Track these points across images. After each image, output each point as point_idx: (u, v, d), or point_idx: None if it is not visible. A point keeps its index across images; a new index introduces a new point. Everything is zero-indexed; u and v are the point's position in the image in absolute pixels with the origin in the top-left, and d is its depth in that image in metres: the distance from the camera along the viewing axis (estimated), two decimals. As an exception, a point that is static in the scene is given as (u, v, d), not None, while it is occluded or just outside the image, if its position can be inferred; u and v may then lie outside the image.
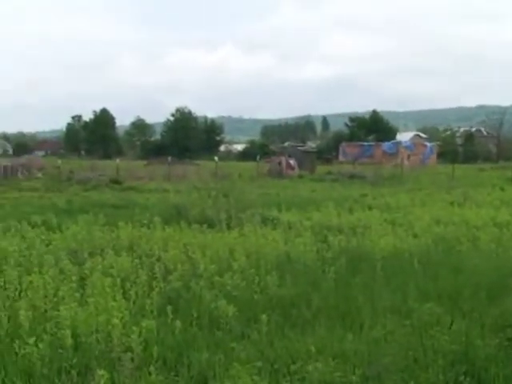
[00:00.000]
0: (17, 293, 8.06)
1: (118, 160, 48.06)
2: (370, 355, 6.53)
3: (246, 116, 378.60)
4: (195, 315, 7.59)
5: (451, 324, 7.54)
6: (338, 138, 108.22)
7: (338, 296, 8.79)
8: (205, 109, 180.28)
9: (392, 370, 6.17)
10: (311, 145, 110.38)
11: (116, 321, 6.68)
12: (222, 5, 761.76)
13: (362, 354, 6.57)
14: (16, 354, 6.27)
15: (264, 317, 7.29)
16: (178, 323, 7.09)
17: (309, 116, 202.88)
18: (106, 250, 11.02)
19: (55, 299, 7.85)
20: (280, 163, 51.30)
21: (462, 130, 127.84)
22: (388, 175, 46.13)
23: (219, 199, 19.19)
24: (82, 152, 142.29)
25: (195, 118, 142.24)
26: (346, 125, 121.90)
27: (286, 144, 75.31)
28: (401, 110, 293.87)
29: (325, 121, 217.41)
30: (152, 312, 7.62)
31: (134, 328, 6.48)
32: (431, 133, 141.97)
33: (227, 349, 6.69)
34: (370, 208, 20.75)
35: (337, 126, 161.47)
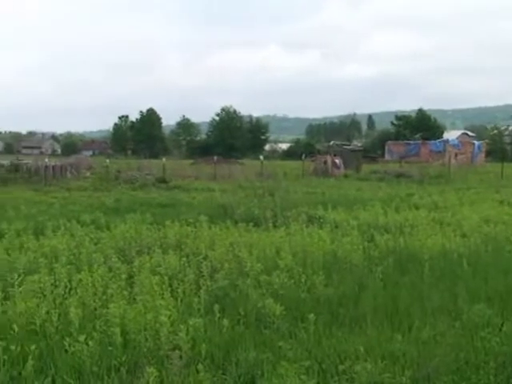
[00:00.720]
0: (67, 290, 8.16)
1: (164, 159, 48.39)
2: (420, 356, 6.44)
3: (291, 115, 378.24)
4: (242, 314, 7.61)
5: (502, 325, 7.40)
6: (384, 137, 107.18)
7: (386, 296, 8.70)
8: (250, 108, 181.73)
9: (442, 371, 6.07)
10: (357, 143, 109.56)
11: (164, 319, 6.71)
12: (266, 4, 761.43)
13: (411, 355, 6.48)
14: (66, 351, 6.36)
15: (311, 316, 7.25)
16: (226, 322, 7.10)
17: (354, 114, 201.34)
18: (154, 248, 11.11)
19: (104, 297, 7.94)
20: (325, 162, 51.05)
21: (510, 128, 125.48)
22: (435, 174, 45.53)
23: (265, 198, 19.22)
24: (129, 152, 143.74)
25: (240, 118, 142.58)
26: (392, 123, 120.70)
27: (332, 143, 74.71)
28: (448, 108, 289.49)
29: (370, 119, 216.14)
30: (199, 310, 7.65)
31: (182, 326, 6.52)
32: (479, 131, 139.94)
33: (275, 348, 6.68)
34: (416, 207, 20.50)
35: (382, 125, 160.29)
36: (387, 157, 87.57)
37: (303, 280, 8.96)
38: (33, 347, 6.02)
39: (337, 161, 52.31)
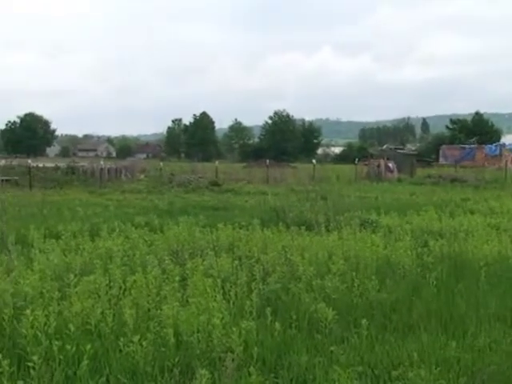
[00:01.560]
0: (121, 291, 8.27)
1: (217, 162, 48.72)
2: (474, 364, 6.34)
3: (344, 118, 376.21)
4: (294, 317, 7.60)
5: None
6: (439, 141, 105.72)
7: (440, 302, 8.58)
8: (303, 111, 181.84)
9: (497, 379, 5.97)
10: (410, 147, 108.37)
11: (216, 321, 6.75)
12: (319, 8, 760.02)
13: (466, 362, 6.39)
14: (120, 351, 6.45)
15: (364, 321, 7.20)
16: (278, 325, 7.10)
17: (408, 118, 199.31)
18: (206, 251, 11.18)
19: (158, 298, 8.02)
20: (379, 166, 50.65)
21: None
22: (491, 179, 44.75)
23: (317, 202, 19.12)
24: (182, 155, 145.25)
25: (293, 121, 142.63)
26: (447, 127, 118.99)
27: (385, 147, 74.19)
28: (505, 111, 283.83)
29: (425, 123, 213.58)
30: (251, 313, 7.66)
31: (234, 329, 6.55)
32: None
33: (327, 352, 6.66)
34: (472, 212, 20.18)
35: (437, 129, 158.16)
36: (442, 161, 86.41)
37: (356, 285, 8.90)
38: (88, 347, 6.12)
39: (390, 165, 51.85)
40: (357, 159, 53.76)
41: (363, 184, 41.07)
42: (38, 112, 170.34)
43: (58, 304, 7.51)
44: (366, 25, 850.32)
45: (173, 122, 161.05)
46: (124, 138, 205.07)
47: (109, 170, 44.42)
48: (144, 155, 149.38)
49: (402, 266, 10.59)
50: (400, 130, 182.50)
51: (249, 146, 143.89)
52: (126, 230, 14.23)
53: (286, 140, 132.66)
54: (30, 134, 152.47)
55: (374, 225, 15.72)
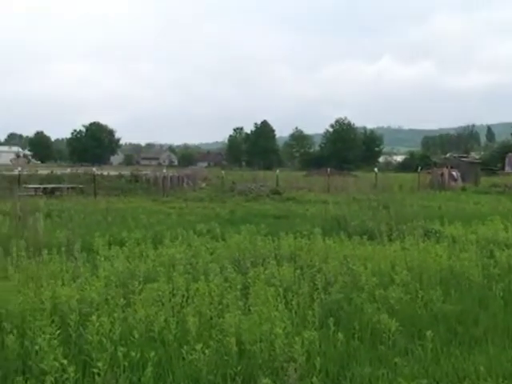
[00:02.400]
0: (184, 299, 8.33)
1: (277, 171, 48.81)
2: (544, 379, 6.15)
3: (406, 126, 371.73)
4: (357, 328, 7.51)
5: None
6: (504, 149, 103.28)
7: (508, 315, 8.37)
8: (364, 119, 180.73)
9: None
10: (475, 156, 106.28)
11: (279, 330, 6.73)
12: (379, 14, 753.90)
13: (535, 377, 6.20)
14: (183, 358, 6.49)
15: (429, 333, 7.07)
16: (340, 336, 7.04)
17: (473, 126, 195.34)
18: (268, 259, 11.17)
19: (220, 307, 8.05)
20: (442, 175, 49.84)
21: None
22: (559, 188, 43.50)
23: (379, 211, 18.95)
24: (243, 163, 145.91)
25: (354, 129, 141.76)
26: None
27: (449, 155, 72.95)
28: None
29: (490, 131, 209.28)
30: (314, 323, 7.61)
31: (297, 338, 6.50)
32: None
33: (390, 364, 6.57)
34: (540, 222, 19.62)
35: (503, 136, 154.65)
36: (508, 169, 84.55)
37: (420, 296, 8.76)
38: (152, 354, 6.18)
39: (454, 173, 50.97)
40: (419, 168, 53.03)
41: (426, 193, 40.46)
42: (103, 121, 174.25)
43: (123, 311, 7.62)
44: (427, 30, 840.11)
45: (234, 130, 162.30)
46: (186, 147, 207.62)
47: (171, 179, 44.97)
48: (205, 164, 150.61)
49: (468, 277, 10.37)
50: (464, 138, 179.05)
51: (309, 155, 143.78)
52: (189, 237, 14.35)
53: (347, 148, 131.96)
54: (95, 142, 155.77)
55: (438, 235, 15.45)
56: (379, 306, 8.44)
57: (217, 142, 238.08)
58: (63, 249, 11.65)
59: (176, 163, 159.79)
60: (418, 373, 6.33)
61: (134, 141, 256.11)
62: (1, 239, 13.46)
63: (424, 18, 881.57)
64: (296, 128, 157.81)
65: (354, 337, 7.39)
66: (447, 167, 52.00)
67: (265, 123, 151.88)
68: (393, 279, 9.77)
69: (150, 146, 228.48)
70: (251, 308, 7.94)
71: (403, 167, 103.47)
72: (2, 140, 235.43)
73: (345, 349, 6.97)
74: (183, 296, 8.41)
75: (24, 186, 36.53)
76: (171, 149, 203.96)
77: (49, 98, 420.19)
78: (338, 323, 7.68)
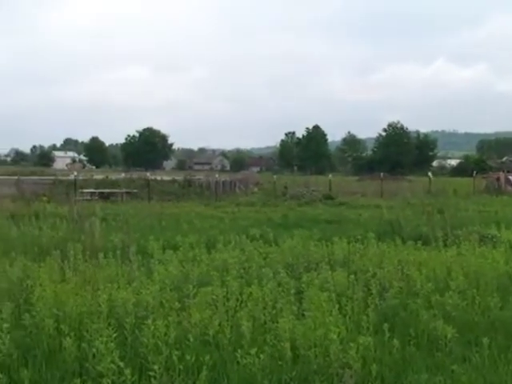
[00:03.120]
0: (238, 303, 8.35)
1: (330, 176, 48.62)
2: None
3: (461, 130, 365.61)
4: (413, 334, 7.41)
5: None
6: None
7: None
8: (417, 123, 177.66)
9: None
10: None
11: (333, 336, 6.68)
12: (432, 16, 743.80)
13: None
14: (238, 363, 6.50)
15: (486, 340, 6.93)
16: (396, 342, 6.95)
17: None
18: (321, 264, 11.10)
19: (274, 311, 8.04)
20: (498, 179, 48.90)
21: None
22: None
23: (434, 216, 18.67)
24: (295, 168, 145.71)
25: (407, 133, 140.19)
26: None
27: (505, 159, 71.75)
28: None
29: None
30: (368, 329, 7.54)
31: (352, 344, 6.45)
32: None
33: (447, 371, 6.46)
34: None
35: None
36: None
37: (477, 302, 8.59)
38: (207, 358, 6.21)
39: (511, 178, 49.94)
40: (475, 172, 52.13)
41: (482, 198, 39.73)
42: (156, 126, 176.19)
43: (178, 314, 7.67)
44: (483, 32, 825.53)
45: (286, 135, 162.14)
46: (238, 152, 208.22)
47: (223, 183, 45.26)
48: (257, 168, 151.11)
49: (526, 284, 10.14)
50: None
51: (362, 159, 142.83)
52: (242, 242, 14.39)
53: (401, 153, 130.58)
54: (149, 147, 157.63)
55: (495, 240, 15.16)
56: (435, 313, 8.31)
57: (268, 146, 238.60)
58: (118, 252, 11.81)
59: (228, 168, 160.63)
60: (476, 380, 6.22)
61: (187, 146, 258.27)
62: (58, 242, 13.74)
63: (479, 19, 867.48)
64: (348, 132, 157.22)
65: (410, 343, 7.30)
66: (503, 171, 51.00)
67: (317, 127, 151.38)
68: (449, 285, 9.60)
69: (202, 150, 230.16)
70: (305, 313, 7.91)
71: (458, 172, 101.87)
72: (58, 145, 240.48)
73: (400, 355, 6.88)
74: (237, 300, 8.42)
75: (80, 190, 37.21)
76: (223, 154, 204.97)
77: (103, 104, 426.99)
78: (393, 329, 7.60)
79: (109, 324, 7.06)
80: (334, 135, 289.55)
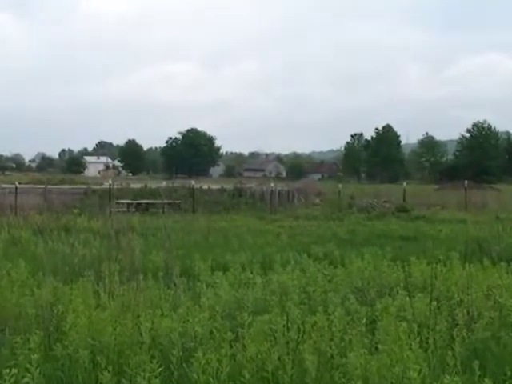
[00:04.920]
0: (300, 334, 8.32)
1: (404, 184, 48.22)
2: None
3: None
4: (508, 374, 7.27)
5: None
6: None
7: None
8: (508, 123, 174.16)
9: None
10: None
11: (413, 374, 6.60)
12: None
13: None
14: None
15: None
16: (488, 382, 6.82)
17: None
18: (397, 289, 11.01)
19: (342, 344, 7.98)
20: None
21: None
22: None
23: (530, 232, 18.35)
24: (363, 175, 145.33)
25: (496, 134, 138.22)
26: None
27: None
28: None
29: None
30: (455, 366, 7.43)
31: (435, 384, 6.37)
32: None
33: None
34: None
35: None
36: None
37: None
38: (265, 397, 6.21)
39: None
40: None
41: None
42: (201, 127, 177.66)
43: (231, 346, 7.68)
44: None
45: (352, 136, 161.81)
46: (295, 156, 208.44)
47: (280, 193, 45.29)
48: (318, 175, 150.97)
49: None
50: None
51: (442, 165, 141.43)
52: (302, 262, 14.38)
53: (488, 157, 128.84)
54: (193, 152, 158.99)
55: None
56: (535, 348, 8.16)
57: (332, 150, 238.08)
58: (161, 273, 11.92)
59: (284, 175, 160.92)
60: None
61: (236, 149, 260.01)
62: (92, 261, 13.94)
63: None
64: (426, 133, 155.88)
65: (505, 384, 7.17)
66: None
67: (388, 128, 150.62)
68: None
69: (254, 155, 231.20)
70: (379, 346, 7.84)
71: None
72: (90, 149, 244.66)
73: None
74: (299, 330, 8.38)
75: (115, 201, 37.74)
76: (279, 158, 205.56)
77: (141, 103, 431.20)
78: (485, 367, 7.47)
79: (152, 356, 7.13)
80: (409, 137, 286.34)
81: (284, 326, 8.40)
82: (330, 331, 8.16)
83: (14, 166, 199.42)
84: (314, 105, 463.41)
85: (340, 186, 50.35)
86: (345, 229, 26.29)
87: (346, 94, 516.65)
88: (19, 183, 42.38)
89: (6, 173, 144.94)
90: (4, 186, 43.46)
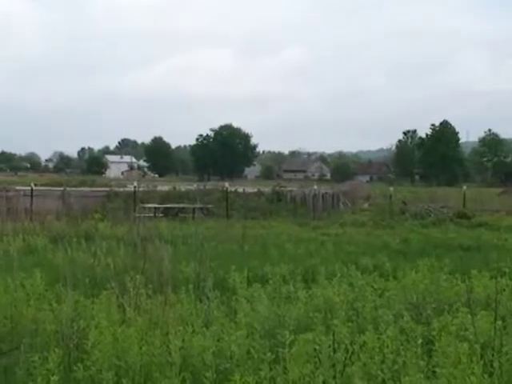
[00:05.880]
0: (348, 356, 8.29)
1: (464, 187, 47.85)
2: None
3: None
4: None
5: None
6: None
7: None
8: None
9: None
10: None
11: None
12: None
13: None
14: None
15: None
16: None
17: None
18: (457, 305, 10.94)
19: (395, 367, 7.95)
20: None
21: None
22: None
23: None
24: (417, 177, 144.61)
25: None
26: None
27: None
28: None
29: None
30: (523, 393, 7.37)
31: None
32: None
33: None
34: None
35: None
36: None
37: None
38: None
39: None
40: None
41: None
42: (236, 123, 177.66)
43: (270, 368, 7.68)
44: None
45: (404, 134, 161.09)
46: (341, 156, 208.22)
47: (323, 197, 45.20)
48: (366, 177, 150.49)
49: None
50: None
51: (506, 165, 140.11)
52: (350, 274, 14.33)
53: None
54: (227, 151, 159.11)
55: None
56: None
57: (381, 149, 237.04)
58: (191, 286, 11.96)
59: (328, 177, 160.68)
60: None
61: (275, 148, 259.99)
62: (115, 272, 14.02)
63: None
64: (488, 130, 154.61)
65: None
66: None
67: (445, 124, 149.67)
68: None
69: (294, 154, 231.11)
70: (436, 370, 7.80)
71: None
72: (112, 148, 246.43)
73: None
74: (347, 351, 8.36)
75: (141, 205, 37.94)
76: (322, 158, 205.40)
77: (169, 97, 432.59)
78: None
79: (183, 379, 7.16)
80: (469, 134, 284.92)
81: (330, 346, 8.38)
82: (381, 352, 8.14)
83: (29, 166, 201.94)
84: (361, 99, 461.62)
85: (391, 189, 50.12)
86: (397, 237, 26.16)
87: (398, 86, 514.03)
88: (35, 185, 42.68)
89: (20, 173, 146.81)
90: (18, 188, 43.92)
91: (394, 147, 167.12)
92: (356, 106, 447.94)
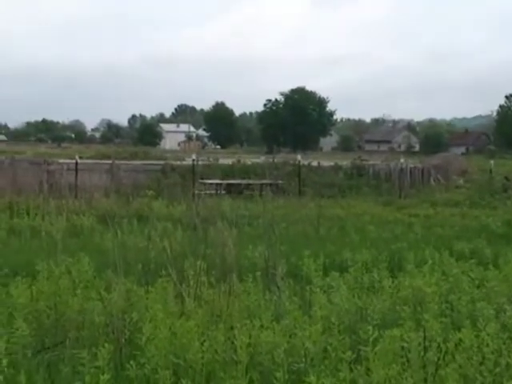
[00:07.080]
0: (441, 355, 8.23)
1: None
2: None
3: None
4: None
5: None
6: None
7: None
8: None
9: None
10: None
11: None
12: None
13: None
14: None
15: None
16: None
17: None
18: None
19: (497, 369, 7.85)
20: None
21: None
22: None
23: None
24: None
25: None
26: None
27: None
28: None
29: None
30: None
31: None
32: None
33: None
34: None
35: None
36: None
37: None
38: None
39: None
40: None
41: None
42: (310, 87, 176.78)
43: (351, 369, 7.68)
44: None
45: (507, 98, 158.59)
46: (431, 124, 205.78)
47: (412, 172, 44.88)
48: (462, 149, 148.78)
49: None
50: None
51: None
52: (442, 261, 14.23)
53: None
54: (299, 118, 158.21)
55: None
56: None
57: (479, 115, 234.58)
58: (259, 274, 11.97)
59: (417, 149, 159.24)
60: None
61: (355, 116, 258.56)
62: (173, 258, 14.09)
63: None
64: None
65: None
66: None
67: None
68: None
69: (377, 122, 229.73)
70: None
71: None
72: (168, 115, 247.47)
73: None
74: (440, 350, 8.31)
75: (201, 181, 38.11)
76: (410, 127, 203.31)
77: (231, 56, 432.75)
78: None
79: (250, 380, 7.18)
80: None
81: (420, 344, 8.34)
82: (479, 352, 8.05)
83: (73, 136, 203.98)
84: (455, 58, 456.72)
85: (491, 162, 49.52)
86: (498, 219, 25.82)
87: (500, 43, 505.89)
88: (80, 158, 43.17)
89: (64, 145, 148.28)
90: (61, 161, 44.38)
91: (494, 114, 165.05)
92: (450, 66, 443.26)
